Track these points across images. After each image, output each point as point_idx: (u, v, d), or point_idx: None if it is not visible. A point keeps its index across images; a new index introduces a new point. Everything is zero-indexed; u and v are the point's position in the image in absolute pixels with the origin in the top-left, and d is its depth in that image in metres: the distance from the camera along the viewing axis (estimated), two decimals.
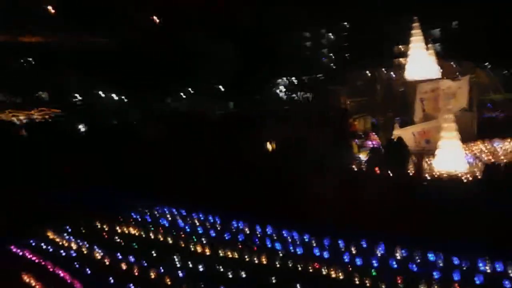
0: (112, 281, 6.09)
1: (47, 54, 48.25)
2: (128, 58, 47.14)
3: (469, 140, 14.97)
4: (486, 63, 17.71)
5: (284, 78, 53.97)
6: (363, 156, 13.50)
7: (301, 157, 13.23)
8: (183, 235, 7.77)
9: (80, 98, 48.43)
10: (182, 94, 57.59)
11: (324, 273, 5.83)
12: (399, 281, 5.67)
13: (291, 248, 6.86)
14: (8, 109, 31.49)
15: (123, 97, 51.10)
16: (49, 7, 51.44)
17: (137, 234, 8.13)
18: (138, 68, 46.81)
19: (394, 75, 16.14)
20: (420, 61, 15.09)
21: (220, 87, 50.54)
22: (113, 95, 50.71)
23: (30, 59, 48.81)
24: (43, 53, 49.01)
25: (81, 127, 26.06)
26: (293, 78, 54.39)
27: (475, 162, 11.94)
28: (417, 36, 15.07)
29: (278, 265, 6.23)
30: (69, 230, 8.49)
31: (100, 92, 54.50)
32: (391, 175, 11.04)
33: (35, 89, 47.12)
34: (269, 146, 17.49)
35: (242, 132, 18.90)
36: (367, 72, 15.85)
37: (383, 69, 16.53)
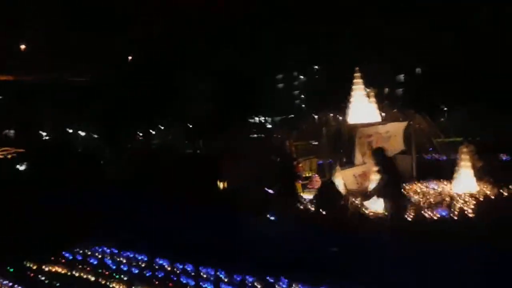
0: None
1: (17, 92, 48.40)
2: (99, 96, 47.72)
3: (408, 181, 15.93)
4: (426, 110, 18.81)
5: (256, 118, 55.19)
6: (306, 196, 14.18)
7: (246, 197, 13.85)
8: (106, 273, 8.11)
9: (46, 135, 48.32)
10: (151, 131, 57.80)
11: None
12: None
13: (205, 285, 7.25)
14: None
15: (93, 134, 51.25)
16: (21, 46, 51.99)
17: (62, 272, 8.40)
18: (109, 105, 47.32)
19: (339, 120, 17.06)
20: (360, 107, 16.06)
21: (190, 125, 51.30)
22: (81, 132, 50.76)
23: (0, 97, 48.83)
24: (14, 91, 49.16)
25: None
26: (264, 118, 55.53)
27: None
28: (358, 84, 16.12)
29: None
30: None
31: (69, 130, 54.47)
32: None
33: (3, 127, 46.97)
34: (220, 185, 18.00)
35: (200, 170, 19.46)
36: (315, 116, 16.76)
37: (330, 114, 17.47)
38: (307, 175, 16.81)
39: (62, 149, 33.12)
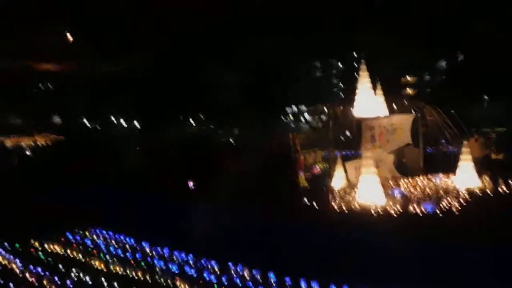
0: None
1: (62, 80, 51.00)
2: (139, 86, 49.32)
3: (414, 174, 15.99)
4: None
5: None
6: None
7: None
8: (94, 252, 9.04)
9: (88, 123, 50.72)
10: (191, 121, 59.27)
11: None
12: None
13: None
14: (13, 134, 33.79)
15: (136, 123, 53.16)
16: (67, 35, 54.46)
17: (58, 250, 9.44)
18: (149, 95, 48.88)
19: (345, 113, 17.26)
20: (366, 100, 16.18)
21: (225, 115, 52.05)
22: (122, 122, 52.89)
23: (43, 85, 51.55)
24: (58, 80, 51.81)
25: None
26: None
27: (399, 195, 12.83)
28: (364, 77, 16.23)
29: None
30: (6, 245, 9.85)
31: (112, 118, 56.86)
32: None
33: (48, 114, 49.75)
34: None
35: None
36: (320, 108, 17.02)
37: (338, 106, 17.66)
38: (321, 166, 17.16)
39: (98, 138, 34.82)
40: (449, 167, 15.16)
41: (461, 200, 11.90)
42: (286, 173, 14.02)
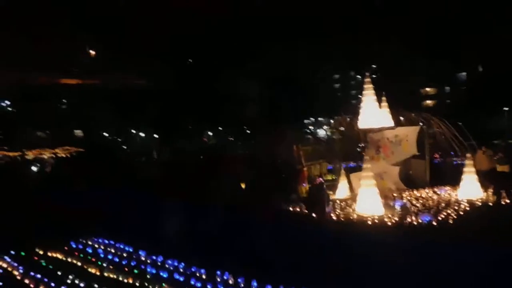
0: None
1: (84, 95, 52.56)
2: (160, 99, 50.38)
3: (420, 186, 15.96)
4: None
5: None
6: None
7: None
8: (93, 259, 9.42)
9: (108, 136, 51.93)
10: (209, 133, 60.05)
11: None
12: None
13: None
14: (36, 148, 35.21)
15: (154, 135, 54.20)
16: (91, 51, 56.30)
17: (60, 258, 9.86)
18: (169, 108, 49.86)
19: (350, 125, 17.39)
20: (371, 112, 16.30)
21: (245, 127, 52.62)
22: (141, 134, 53.94)
23: (66, 100, 53.20)
24: (81, 94, 53.43)
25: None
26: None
27: (399, 206, 12.85)
28: (369, 90, 16.37)
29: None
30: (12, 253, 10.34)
31: (133, 131, 58.12)
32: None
33: (71, 127, 51.31)
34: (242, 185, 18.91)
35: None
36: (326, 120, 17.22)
37: (346, 118, 17.82)
38: (329, 178, 17.29)
39: (116, 150, 35.73)
40: (456, 179, 15.12)
41: (459, 211, 11.89)
42: (287, 184, 14.19)
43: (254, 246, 9.81)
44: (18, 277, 8.53)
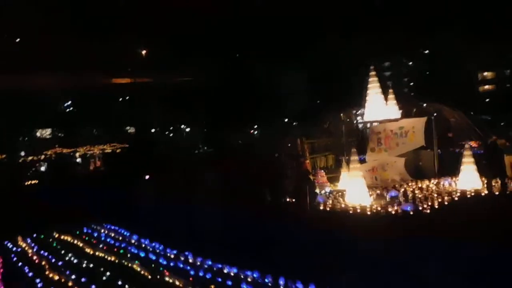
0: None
1: (135, 93, 55.45)
2: (206, 96, 52.02)
3: (429, 177, 16.14)
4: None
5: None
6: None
7: None
8: (94, 241, 10.85)
9: (155, 132, 54.36)
10: (255, 128, 61.10)
11: None
12: None
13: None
14: (87, 145, 38.13)
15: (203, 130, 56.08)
16: (142, 51, 59.10)
17: (68, 240, 11.41)
18: (216, 104, 51.42)
19: (356, 118, 17.79)
20: (376, 105, 16.63)
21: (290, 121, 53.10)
22: (187, 129, 56.07)
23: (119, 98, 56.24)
24: (132, 93, 56.41)
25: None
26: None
27: (390, 197, 13.26)
28: (374, 83, 16.70)
29: None
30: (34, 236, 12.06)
31: (183, 126, 60.47)
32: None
33: (123, 125, 54.39)
34: None
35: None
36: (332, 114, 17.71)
37: (352, 111, 18.22)
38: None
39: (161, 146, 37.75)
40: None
41: (444, 202, 12.16)
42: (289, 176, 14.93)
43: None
44: (30, 255, 10.12)
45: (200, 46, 51.03)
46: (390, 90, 16.96)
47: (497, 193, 12.90)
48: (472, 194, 13.01)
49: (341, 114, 17.31)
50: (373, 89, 16.63)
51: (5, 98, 35.47)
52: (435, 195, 13.01)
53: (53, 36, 41.07)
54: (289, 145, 15.92)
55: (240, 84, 50.37)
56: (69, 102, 56.71)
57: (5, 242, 11.54)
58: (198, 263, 8.80)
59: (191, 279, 7.94)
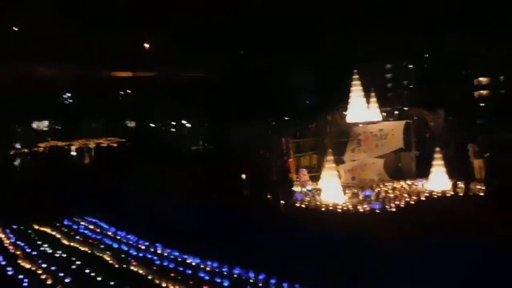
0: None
1: (137, 87, 55.70)
2: (210, 90, 51.91)
3: (409, 177, 16.58)
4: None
5: None
6: (295, 188, 15.81)
7: None
8: (72, 233, 11.30)
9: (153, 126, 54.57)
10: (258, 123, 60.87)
11: None
12: None
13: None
14: (84, 138, 38.50)
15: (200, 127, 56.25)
16: (145, 45, 59.23)
17: (47, 231, 11.88)
18: (218, 99, 51.38)
19: (341, 119, 18.14)
20: (358, 107, 16.99)
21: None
22: (187, 124, 56.31)
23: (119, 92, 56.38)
24: (132, 87, 56.68)
25: None
26: None
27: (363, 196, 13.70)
28: (356, 86, 17.05)
29: None
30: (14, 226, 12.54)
31: (184, 121, 60.73)
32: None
33: (123, 118, 54.67)
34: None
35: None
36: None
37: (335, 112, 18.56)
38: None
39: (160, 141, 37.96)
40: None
41: (411, 201, 12.62)
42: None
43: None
44: (6, 245, 10.61)
45: (200, 40, 50.88)
46: (372, 94, 17.24)
47: (461, 194, 13.32)
48: (439, 194, 13.41)
49: (327, 115, 17.63)
50: (356, 92, 16.97)
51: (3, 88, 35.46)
52: (405, 195, 13.43)
53: (57, 26, 41.09)
54: (275, 143, 16.34)
55: (237, 81, 50.46)
56: (68, 95, 56.91)
57: None
58: (165, 254, 9.30)
59: (154, 268, 8.44)
